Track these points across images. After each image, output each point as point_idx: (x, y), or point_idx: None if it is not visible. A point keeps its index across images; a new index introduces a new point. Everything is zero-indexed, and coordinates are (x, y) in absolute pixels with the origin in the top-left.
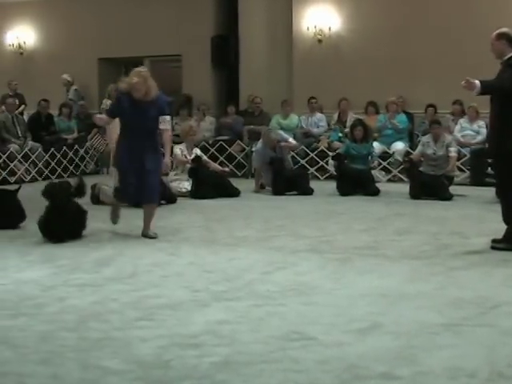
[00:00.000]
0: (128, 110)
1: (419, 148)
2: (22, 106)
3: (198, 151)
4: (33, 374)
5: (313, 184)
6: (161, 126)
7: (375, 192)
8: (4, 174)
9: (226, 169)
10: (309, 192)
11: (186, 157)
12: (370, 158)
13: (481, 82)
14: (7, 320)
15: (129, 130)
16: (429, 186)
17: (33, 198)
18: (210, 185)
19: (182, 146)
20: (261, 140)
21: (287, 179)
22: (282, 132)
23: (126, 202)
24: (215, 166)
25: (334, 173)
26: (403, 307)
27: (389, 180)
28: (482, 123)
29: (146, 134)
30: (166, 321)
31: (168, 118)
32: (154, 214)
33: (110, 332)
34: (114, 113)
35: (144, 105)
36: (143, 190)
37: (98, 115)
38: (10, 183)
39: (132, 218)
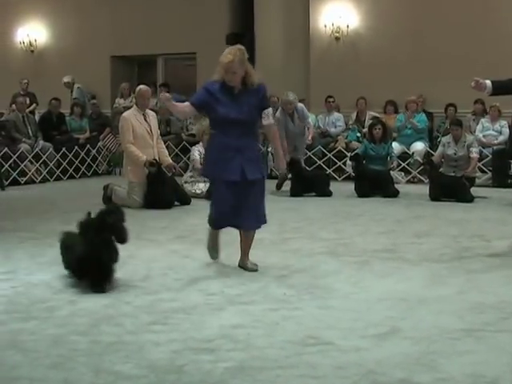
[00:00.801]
0: (222, 102)
1: (440, 149)
2: (33, 105)
3: None
4: (44, 379)
5: (330, 185)
6: (264, 122)
7: (394, 193)
8: (14, 174)
9: None
10: (327, 194)
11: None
12: (388, 158)
13: (492, 82)
14: (18, 323)
15: (222, 130)
16: (449, 187)
17: (43, 199)
18: None
19: (200, 148)
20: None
21: (306, 180)
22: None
23: (223, 225)
24: None
25: (352, 173)
26: (423, 312)
27: (408, 181)
28: (504, 123)
29: (246, 133)
30: (180, 325)
31: (270, 110)
32: (253, 239)
33: (122, 336)
34: (202, 103)
35: (242, 95)
36: (244, 210)
37: (176, 103)
38: (20, 184)
39: (143, 218)
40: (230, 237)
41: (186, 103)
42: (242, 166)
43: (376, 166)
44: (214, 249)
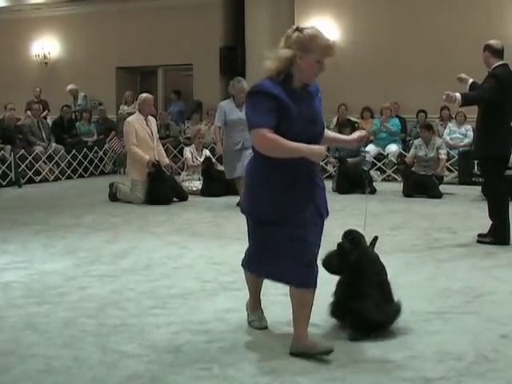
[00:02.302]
0: (292, 108)
1: (412, 150)
2: (46, 112)
3: (207, 152)
4: (56, 357)
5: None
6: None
7: (372, 191)
8: (30, 173)
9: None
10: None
11: (196, 158)
12: (360, 154)
13: (462, 94)
14: (33, 307)
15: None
16: (420, 185)
17: (55, 196)
18: (220, 184)
19: (192, 148)
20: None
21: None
22: None
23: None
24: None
25: (334, 173)
26: (397, 296)
27: (383, 179)
28: (469, 127)
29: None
30: (178, 309)
31: None
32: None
33: (126, 319)
34: (273, 118)
35: (307, 96)
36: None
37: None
38: (35, 182)
39: (145, 213)
40: (224, 231)
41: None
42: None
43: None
44: (260, 319)
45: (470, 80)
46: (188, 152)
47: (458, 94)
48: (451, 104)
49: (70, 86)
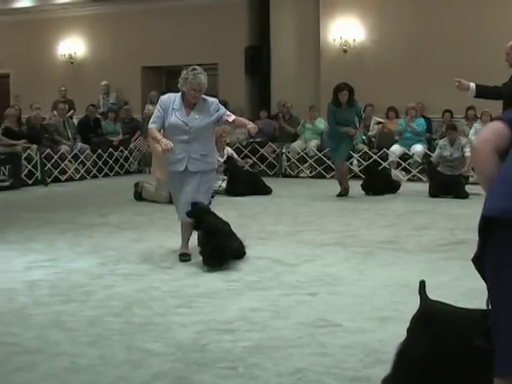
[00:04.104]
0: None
1: (437, 150)
2: (72, 111)
3: (229, 150)
4: (83, 355)
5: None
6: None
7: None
8: (56, 172)
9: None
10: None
11: (218, 160)
12: (358, 120)
13: (477, 85)
14: (60, 305)
15: None
16: (446, 185)
17: (81, 195)
18: (244, 183)
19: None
20: None
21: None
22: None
23: None
24: (240, 161)
25: (359, 173)
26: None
27: (408, 179)
28: None
29: None
30: (203, 308)
31: None
32: None
33: (152, 317)
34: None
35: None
36: None
37: None
38: (61, 181)
39: (170, 213)
40: (249, 230)
41: None
42: None
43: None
44: None
45: (472, 84)
46: None
47: (472, 84)
48: (464, 92)
49: (103, 82)
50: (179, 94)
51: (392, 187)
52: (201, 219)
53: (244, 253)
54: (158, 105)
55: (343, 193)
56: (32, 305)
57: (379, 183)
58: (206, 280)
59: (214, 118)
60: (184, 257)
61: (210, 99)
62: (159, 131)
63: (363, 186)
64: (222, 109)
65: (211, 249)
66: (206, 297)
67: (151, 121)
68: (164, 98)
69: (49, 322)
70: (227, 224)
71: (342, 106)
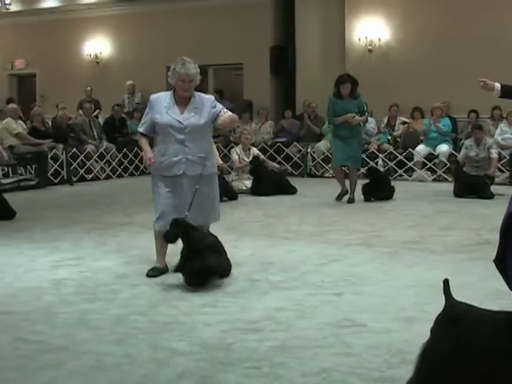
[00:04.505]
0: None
1: (463, 151)
2: (97, 111)
3: (255, 151)
4: (109, 353)
5: (363, 183)
6: None
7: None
8: (82, 171)
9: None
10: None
11: (243, 160)
12: (363, 111)
13: (503, 85)
14: (86, 304)
15: None
16: (472, 185)
17: (107, 194)
18: (269, 183)
19: (238, 149)
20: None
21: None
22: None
23: None
24: (272, 164)
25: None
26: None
27: (434, 180)
28: None
29: None
30: (229, 307)
31: None
32: None
33: (177, 317)
34: None
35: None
36: None
37: None
38: (86, 180)
39: None
40: (274, 230)
41: None
42: None
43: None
44: None
45: (497, 84)
46: (235, 154)
47: (497, 84)
48: (489, 92)
49: (128, 82)
50: (171, 92)
51: (391, 193)
52: (184, 234)
53: (229, 271)
54: (147, 105)
55: (348, 196)
56: (58, 303)
57: (382, 188)
58: (231, 279)
59: (212, 116)
60: (154, 271)
61: (207, 96)
62: (148, 136)
63: (364, 191)
64: (219, 106)
65: (197, 269)
66: (231, 296)
67: (141, 122)
68: (154, 96)
69: (75, 320)
70: (215, 238)
71: (343, 98)
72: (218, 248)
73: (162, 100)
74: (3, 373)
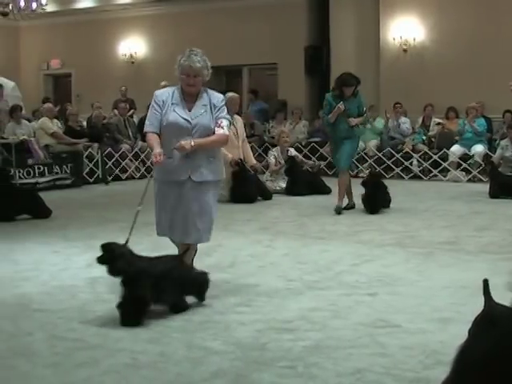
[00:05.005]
0: None
1: (498, 151)
2: (132, 110)
3: (292, 151)
4: (143, 351)
5: (397, 183)
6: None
7: None
8: (116, 171)
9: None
10: None
11: (279, 162)
12: (362, 112)
13: None
14: None
15: None
16: (507, 186)
17: (140, 193)
18: (304, 183)
19: (276, 152)
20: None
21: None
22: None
23: None
24: (308, 162)
25: (419, 173)
26: (482, 299)
27: (469, 180)
28: None
29: None
30: (263, 307)
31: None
32: None
33: (212, 316)
34: None
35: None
36: None
37: None
38: (121, 179)
39: (230, 212)
40: (308, 230)
41: None
42: None
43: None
44: None
45: None
46: (272, 157)
47: None
48: None
49: (163, 82)
50: (177, 87)
51: (388, 202)
52: (114, 261)
53: (183, 309)
54: (152, 101)
55: (350, 205)
56: (93, 301)
57: (380, 197)
58: (265, 279)
59: (214, 121)
60: None
61: (216, 94)
62: (157, 133)
63: (364, 202)
64: (223, 112)
65: (125, 301)
66: (266, 296)
67: (146, 122)
68: (159, 92)
69: (109, 318)
70: (160, 264)
71: (343, 98)
72: (161, 275)
73: (169, 95)
74: (40, 370)
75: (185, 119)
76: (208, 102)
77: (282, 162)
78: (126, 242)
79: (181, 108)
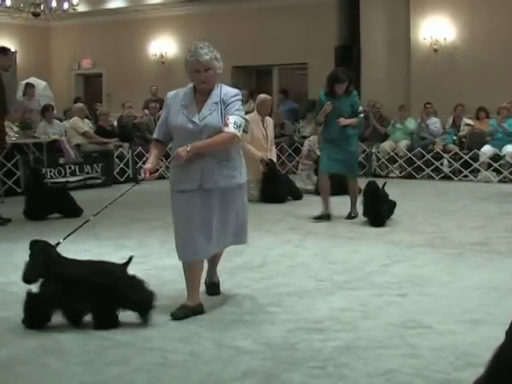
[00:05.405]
0: None
1: None
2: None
3: None
4: (173, 351)
5: (427, 183)
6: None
7: None
8: None
9: None
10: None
11: (314, 152)
12: (358, 111)
13: None
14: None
15: None
16: None
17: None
18: (334, 183)
19: (312, 141)
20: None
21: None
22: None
23: None
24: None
25: (449, 174)
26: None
27: (499, 181)
28: None
29: None
30: (293, 307)
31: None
32: None
33: (242, 315)
34: None
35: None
36: None
37: None
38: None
39: (260, 211)
40: (338, 230)
41: None
42: None
43: (334, 126)
44: None
45: None
46: (306, 147)
47: None
48: None
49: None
50: (190, 87)
51: (392, 211)
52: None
53: (106, 322)
54: (164, 105)
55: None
56: None
57: (382, 207)
58: (295, 279)
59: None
60: (180, 312)
61: (229, 88)
62: (163, 142)
63: (365, 213)
64: (233, 108)
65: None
66: (296, 296)
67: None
68: (170, 94)
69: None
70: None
71: (335, 97)
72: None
73: (179, 97)
74: (71, 367)
75: (192, 121)
76: (219, 99)
77: (318, 152)
78: (57, 244)
79: (190, 109)
